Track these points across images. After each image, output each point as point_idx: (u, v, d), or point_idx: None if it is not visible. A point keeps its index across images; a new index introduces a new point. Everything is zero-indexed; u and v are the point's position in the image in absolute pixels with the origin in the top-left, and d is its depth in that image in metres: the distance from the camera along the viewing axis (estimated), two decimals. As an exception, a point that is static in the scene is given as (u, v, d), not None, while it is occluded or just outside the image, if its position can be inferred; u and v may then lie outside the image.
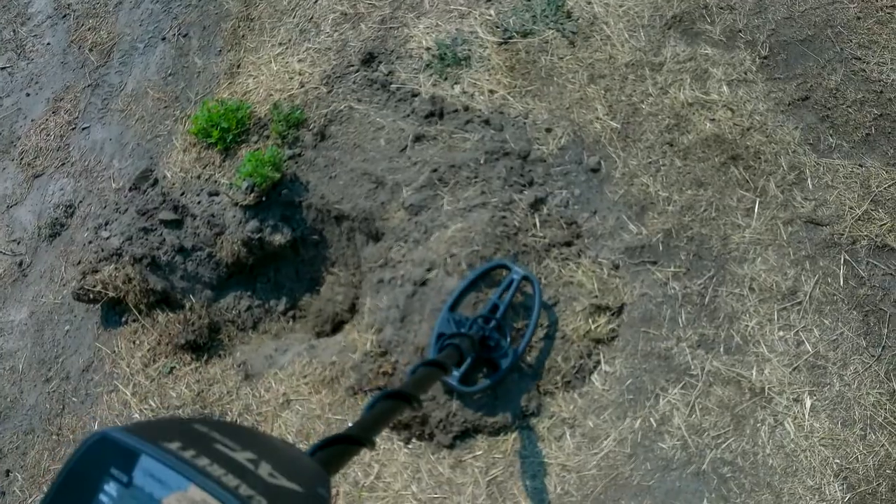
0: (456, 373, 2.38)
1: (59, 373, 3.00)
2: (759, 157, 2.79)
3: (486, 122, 3.03)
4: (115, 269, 2.91)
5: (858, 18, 3.12)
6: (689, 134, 2.88)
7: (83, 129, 3.61)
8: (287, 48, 3.46)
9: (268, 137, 3.19)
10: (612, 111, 2.99)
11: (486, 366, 2.48)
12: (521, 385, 2.47)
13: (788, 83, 2.97)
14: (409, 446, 2.48)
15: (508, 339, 2.44)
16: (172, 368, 2.83)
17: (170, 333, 2.85)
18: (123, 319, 2.95)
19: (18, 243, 3.41)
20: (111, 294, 2.89)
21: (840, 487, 2.17)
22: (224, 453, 0.79)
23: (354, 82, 3.24)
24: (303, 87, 3.27)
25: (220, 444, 0.81)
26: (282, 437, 2.55)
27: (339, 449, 1.17)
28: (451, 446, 2.45)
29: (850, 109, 2.88)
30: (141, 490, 0.72)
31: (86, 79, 3.77)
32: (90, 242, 3.09)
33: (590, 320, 2.54)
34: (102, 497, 0.73)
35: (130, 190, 3.22)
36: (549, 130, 2.98)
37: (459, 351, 2.12)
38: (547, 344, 2.51)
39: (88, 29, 3.96)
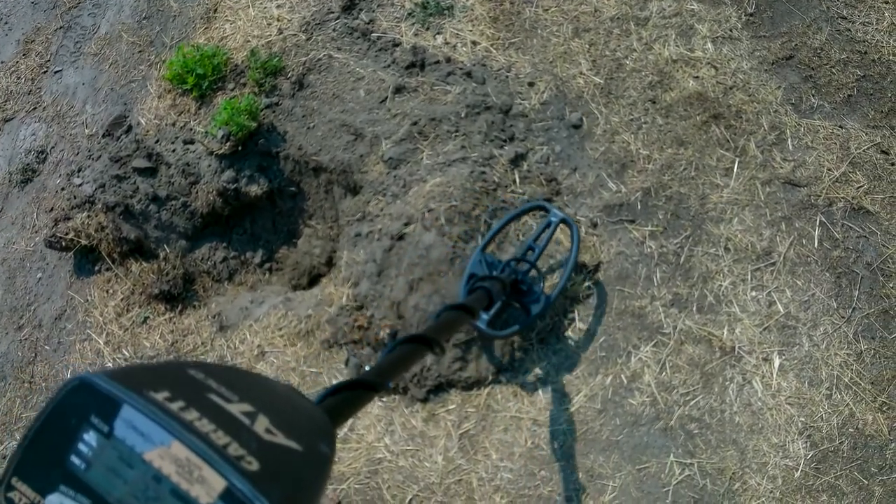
0: (485, 316, 2.28)
1: (31, 320, 2.97)
2: (741, 117, 2.77)
3: (468, 74, 2.98)
4: (88, 216, 2.86)
5: (847, -24, 3.09)
6: (672, 91, 2.85)
7: (55, 72, 3.52)
8: (265, -7, 3.37)
9: (244, 85, 3.12)
10: (595, 66, 2.95)
11: (517, 309, 2.42)
12: (495, 341, 2.48)
13: (773, 41, 2.94)
14: (383, 399, 2.50)
15: (542, 284, 2.37)
16: (146, 318, 2.81)
17: (143, 283, 2.82)
18: (96, 268, 2.92)
19: (-11, 188, 3.35)
20: (84, 242, 2.85)
21: (804, 445, 2.21)
22: (218, 405, 0.75)
23: (334, 30, 3.17)
24: (281, 33, 3.20)
25: (215, 395, 0.76)
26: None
27: (352, 395, 1.12)
28: (424, 400, 2.47)
29: (833, 70, 2.86)
30: (122, 442, 0.68)
31: (58, 20, 3.66)
32: (62, 189, 3.04)
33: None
34: (81, 446, 0.69)
35: (104, 136, 3.16)
36: (531, 84, 2.94)
37: (489, 295, 1.99)
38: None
39: (60, -33, 3.83)
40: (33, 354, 2.92)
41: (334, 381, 2.55)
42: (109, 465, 0.68)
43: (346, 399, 1.11)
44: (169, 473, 0.67)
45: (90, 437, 0.69)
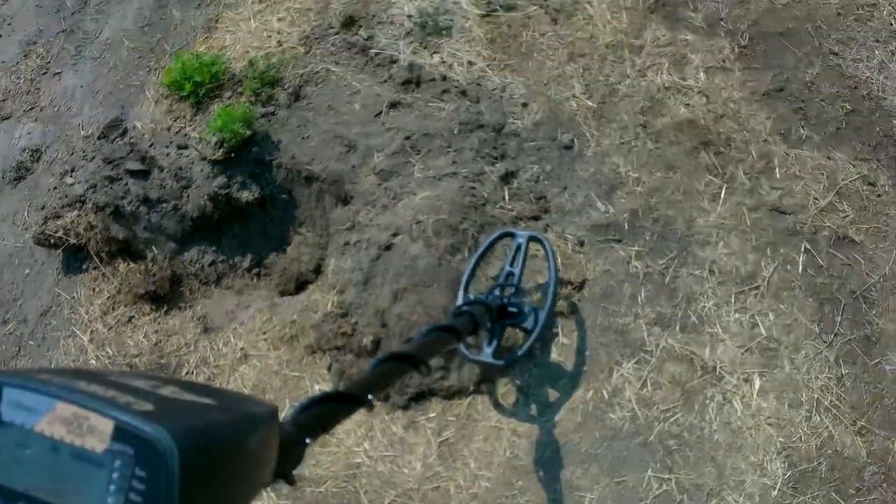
0: (488, 349, 2.32)
1: (16, 315, 2.97)
2: (730, 145, 2.82)
3: (463, 92, 3.02)
4: (78, 215, 2.87)
5: (839, 14, 3.15)
6: (664, 117, 2.90)
7: (55, 74, 3.55)
8: (267, 6, 3.42)
9: (241, 94, 3.16)
10: (588, 90, 2.99)
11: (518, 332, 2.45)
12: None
13: (765, 73, 2.99)
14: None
15: (530, 303, 2.38)
16: (131, 318, 2.81)
17: (130, 283, 2.82)
18: (84, 266, 2.93)
19: (-19, 186, 3.36)
20: (73, 240, 2.85)
21: (782, 465, 2.21)
22: (111, 379, 0.70)
23: (333, 44, 3.21)
24: (280, 45, 3.25)
25: (116, 376, 0.72)
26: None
27: (335, 406, 1.12)
28: (405, 407, 2.47)
29: (823, 103, 2.91)
30: (12, 426, 0.66)
31: (60, 24, 3.71)
32: (55, 188, 3.05)
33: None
34: None
35: (99, 138, 3.18)
36: (525, 105, 2.99)
37: (473, 318, 1.96)
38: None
39: (66, -26, 3.89)
40: (17, 349, 2.90)
41: (316, 386, 2.55)
42: (7, 454, 0.66)
43: (327, 410, 1.10)
44: (61, 437, 0.64)
45: None
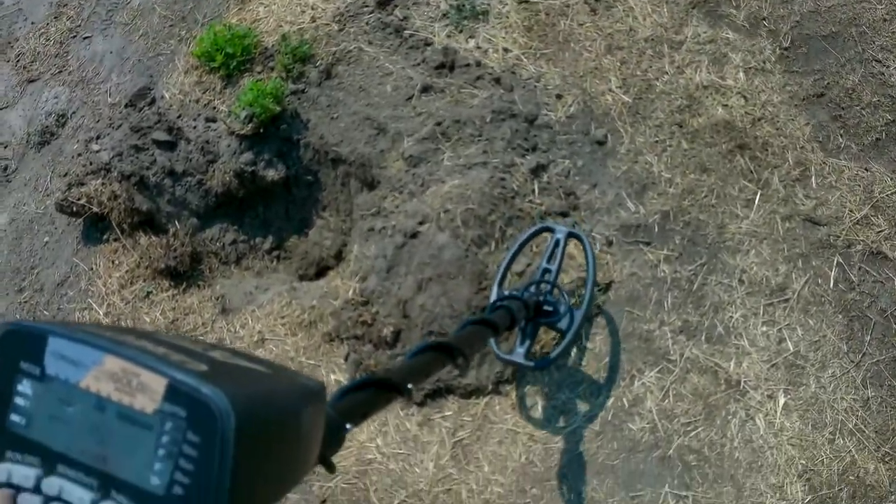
0: (520, 349, 2.23)
1: (33, 284, 2.96)
2: (767, 149, 2.74)
3: (497, 80, 2.96)
4: (102, 183, 2.85)
5: (885, 20, 3.04)
6: (700, 117, 2.82)
7: (84, 38, 3.51)
8: (302, -20, 3.35)
9: (272, 69, 3.11)
10: (625, 85, 2.92)
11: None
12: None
13: (805, 78, 2.90)
14: (380, 398, 2.47)
15: (568, 302, 2.31)
16: (149, 293, 2.80)
17: (150, 257, 2.80)
18: (105, 237, 2.91)
19: (5, 147, 3.34)
20: (95, 209, 2.83)
21: (802, 488, 2.18)
22: (161, 338, 0.67)
23: (367, 23, 3.15)
24: (314, 21, 3.18)
25: (163, 336, 0.68)
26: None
27: (370, 394, 1.06)
28: (421, 404, 2.44)
29: (863, 111, 2.82)
30: (55, 380, 0.61)
31: (92, -14, 3.67)
32: (79, 155, 3.02)
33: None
34: (18, 401, 0.62)
35: (126, 106, 3.15)
36: (559, 97, 2.92)
37: (510, 313, 1.89)
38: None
39: (100, -65, 3.83)
40: (31, 318, 2.90)
41: (332, 376, 2.53)
42: (50, 412, 0.61)
43: (365, 397, 1.05)
44: (108, 394, 0.59)
45: (24, 386, 0.62)
